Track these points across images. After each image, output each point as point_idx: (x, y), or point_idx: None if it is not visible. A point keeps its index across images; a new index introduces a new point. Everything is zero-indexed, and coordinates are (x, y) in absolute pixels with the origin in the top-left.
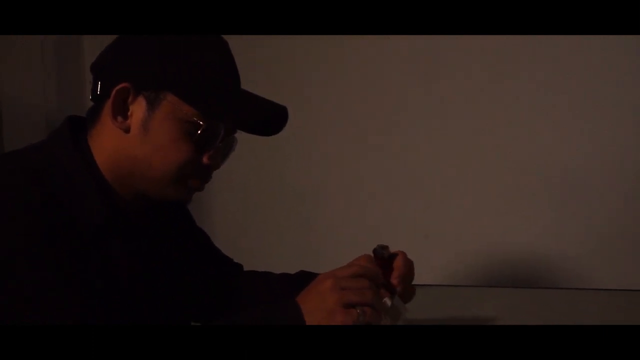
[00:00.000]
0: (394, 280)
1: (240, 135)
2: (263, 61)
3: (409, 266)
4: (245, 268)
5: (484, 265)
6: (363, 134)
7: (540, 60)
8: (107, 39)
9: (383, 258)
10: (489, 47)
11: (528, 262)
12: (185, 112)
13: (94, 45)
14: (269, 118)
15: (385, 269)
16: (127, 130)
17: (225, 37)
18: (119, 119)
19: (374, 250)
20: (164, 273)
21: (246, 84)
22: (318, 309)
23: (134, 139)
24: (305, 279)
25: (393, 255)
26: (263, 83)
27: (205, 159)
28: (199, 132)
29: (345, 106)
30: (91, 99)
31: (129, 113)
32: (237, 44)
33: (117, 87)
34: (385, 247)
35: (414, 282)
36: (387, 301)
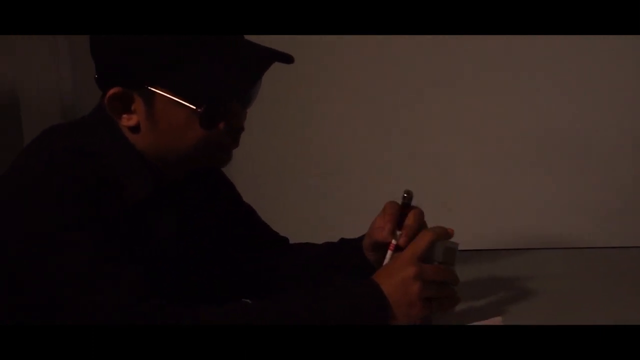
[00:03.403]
0: (402, 239)
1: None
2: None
3: (419, 223)
4: None
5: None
6: (383, 109)
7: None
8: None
9: (408, 205)
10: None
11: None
12: (178, 99)
13: None
14: (263, 67)
15: (405, 215)
16: (137, 126)
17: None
18: (124, 117)
19: (404, 195)
20: (211, 247)
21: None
22: (399, 296)
23: (147, 132)
24: (348, 246)
25: (411, 207)
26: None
27: (222, 127)
28: (201, 111)
29: (366, 83)
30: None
31: (132, 109)
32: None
33: (109, 95)
34: (410, 195)
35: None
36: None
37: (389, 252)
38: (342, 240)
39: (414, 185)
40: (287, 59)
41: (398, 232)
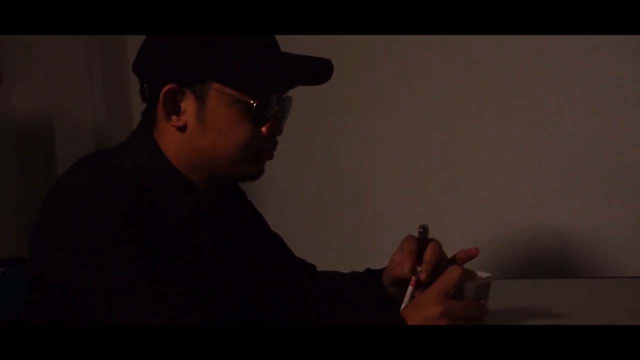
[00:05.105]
0: (422, 275)
1: (295, 135)
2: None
3: (437, 257)
4: None
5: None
6: (418, 135)
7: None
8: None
9: (425, 239)
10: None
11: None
12: (232, 95)
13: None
14: (317, 73)
15: (423, 249)
16: (184, 127)
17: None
18: (173, 118)
19: (420, 230)
20: (246, 268)
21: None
22: (424, 319)
23: (193, 133)
24: (373, 277)
25: (428, 240)
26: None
27: (265, 131)
28: (251, 109)
29: (399, 104)
30: (142, 101)
31: (181, 110)
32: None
33: (164, 90)
34: (426, 229)
35: None
36: None
37: (410, 288)
38: (368, 270)
39: (440, 212)
40: (327, 63)
41: (418, 268)
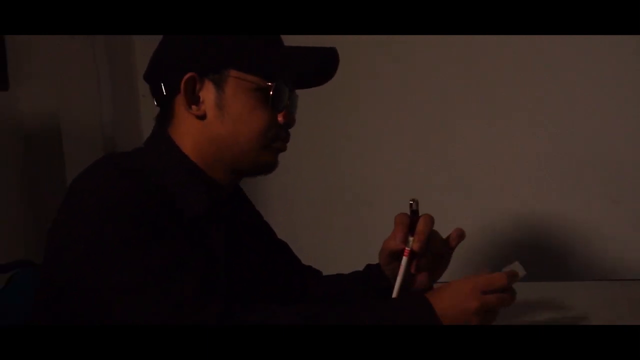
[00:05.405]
0: (415, 244)
1: (299, 137)
2: None
3: (429, 228)
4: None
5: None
6: (420, 136)
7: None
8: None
9: (416, 212)
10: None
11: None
12: (251, 81)
13: (145, 64)
14: (324, 61)
15: (415, 223)
16: (203, 116)
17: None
18: (194, 107)
19: (410, 203)
20: (248, 271)
21: None
22: (456, 309)
23: (213, 121)
24: (373, 271)
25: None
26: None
27: (281, 118)
28: (269, 95)
29: (404, 108)
30: (157, 104)
31: (200, 100)
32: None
33: (185, 78)
34: (416, 203)
35: None
36: None
37: (404, 259)
38: (367, 266)
39: (441, 212)
40: (333, 51)
41: (410, 239)
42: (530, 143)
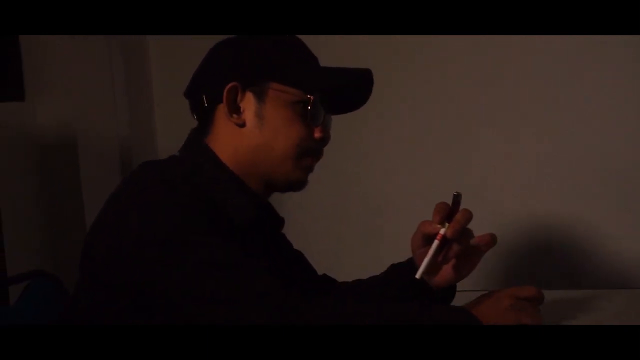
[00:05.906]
0: (449, 231)
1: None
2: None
3: (467, 221)
4: None
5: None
6: (430, 145)
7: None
8: (177, 66)
9: (458, 204)
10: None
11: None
12: (291, 94)
13: (161, 75)
14: (361, 81)
15: (454, 213)
16: (243, 124)
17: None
18: (234, 116)
19: (454, 194)
20: (283, 276)
21: None
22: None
23: (252, 130)
24: (395, 269)
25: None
26: None
27: (317, 134)
28: (307, 108)
29: (420, 114)
30: (196, 119)
31: (241, 109)
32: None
33: (228, 87)
34: (459, 196)
35: None
36: None
37: (435, 242)
38: (392, 265)
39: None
40: (367, 72)
41: (446, 224)
42: (530, 143)
